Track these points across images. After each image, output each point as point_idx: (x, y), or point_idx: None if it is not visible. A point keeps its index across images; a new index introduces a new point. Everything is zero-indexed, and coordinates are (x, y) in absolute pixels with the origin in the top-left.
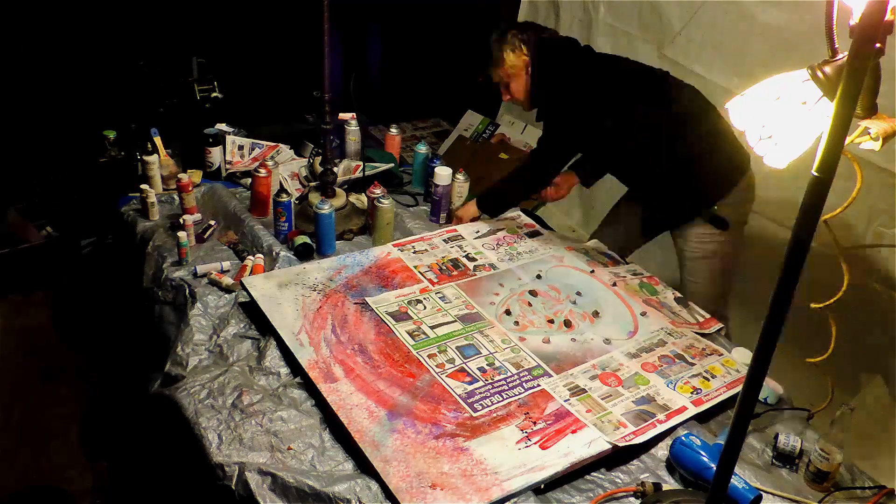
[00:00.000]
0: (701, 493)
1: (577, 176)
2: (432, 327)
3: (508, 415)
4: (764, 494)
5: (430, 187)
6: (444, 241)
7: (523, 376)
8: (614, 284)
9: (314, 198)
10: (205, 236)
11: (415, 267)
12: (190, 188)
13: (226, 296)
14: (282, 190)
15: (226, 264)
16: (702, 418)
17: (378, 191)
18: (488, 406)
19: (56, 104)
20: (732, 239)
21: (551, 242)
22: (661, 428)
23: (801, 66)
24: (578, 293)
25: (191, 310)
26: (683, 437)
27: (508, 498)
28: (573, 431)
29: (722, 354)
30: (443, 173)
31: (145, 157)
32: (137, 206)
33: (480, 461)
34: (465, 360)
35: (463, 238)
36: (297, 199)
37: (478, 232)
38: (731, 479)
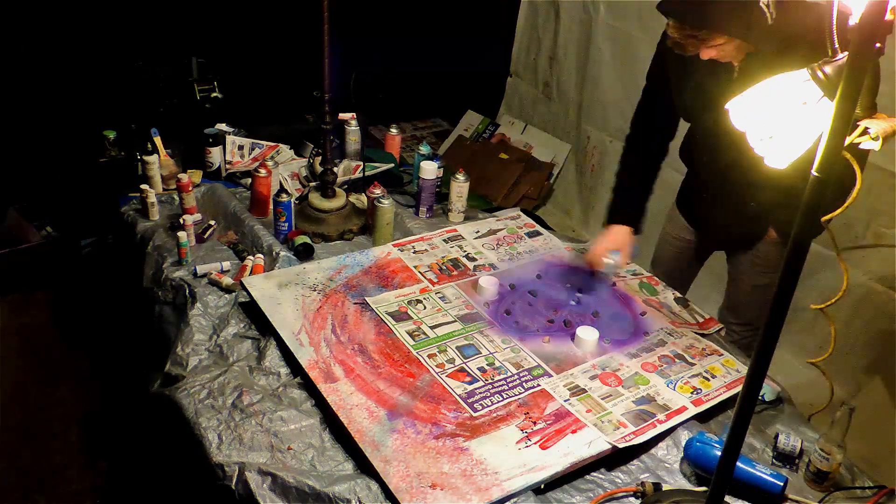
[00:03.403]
0: (700, 493)
1: (631, 228)
2: (432, 327)
3: (508, 415)
4: None
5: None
6: (444, 241)
7: (523, 376)
8: (614, 284)
9: (314, 198)
10: (205, 236)
11: (415, 267)
12: (190, 188)
13: (226, 296)
14: (282, 190)
15: (226, 264)
16: (702, 418)
17: (378, 191)
18: (488, 406)
19: (56, 104)
20: None
21: (551, 242)
22: (661, 428)
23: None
24: (578, 293)
25: (191, 310)
26: (699, 437)
27: (508, 498)
28: (573, 431)
29: (722, 354)
30: (428, 167)
31: (145, 157)
32: (137, 206)
33: (480, 461)
34: (465, 360)
35: (463, 238)
36: (297, 199)
37: (478, 232)
38: (754, 472)
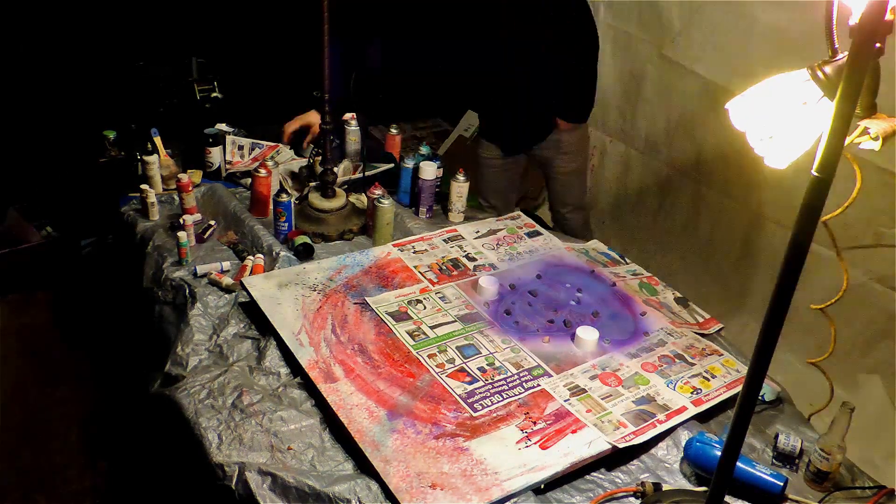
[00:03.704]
0: (700, 493)
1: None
2: (432, 327)
3: (508, 415)
4: None
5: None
6: (444, 241)
7: (523, 376)
8: (614, 284)
9: (314, 198)
10: (205, 236)
11: (415, 267)
12: (190, 188)
13: (226, 296)
14: (282, 190)
15: (226, 264)
16: (702, 418)
17: (378, 191)
18: (488, 406)
19: (56, 104)
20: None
21: (551, 242)
22: (661, 428)
23: (802, 66)
24: (578, 293)
25: (191, 310)
26: (699, 437)
27: (508, 498)
28: (573, 431)
29: (722, 354)
30: (428, 167)
31: (145, 157)
32: (137, 206)
33: (480, 461)
34: (465, 360)
35: (463, 238)
36: (297, 199)
37: (478, 232)
38: (755, 472)
